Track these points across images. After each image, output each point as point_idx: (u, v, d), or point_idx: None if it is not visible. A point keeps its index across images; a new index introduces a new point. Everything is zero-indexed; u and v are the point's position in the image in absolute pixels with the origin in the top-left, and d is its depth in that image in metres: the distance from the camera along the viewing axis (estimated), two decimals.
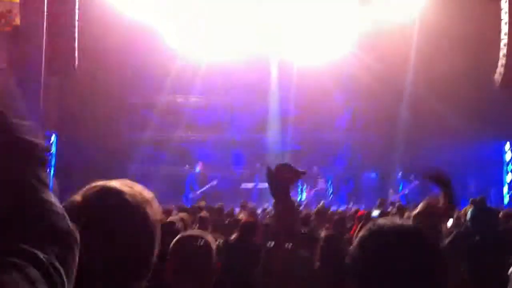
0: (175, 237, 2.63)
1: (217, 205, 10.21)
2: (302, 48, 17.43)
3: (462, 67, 15.20)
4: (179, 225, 5.47)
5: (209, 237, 2.59)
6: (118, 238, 1.32)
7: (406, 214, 8.13)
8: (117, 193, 1.40)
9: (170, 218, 6.24)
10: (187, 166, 16.52)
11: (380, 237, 1.37)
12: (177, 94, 17.97)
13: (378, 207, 10.19)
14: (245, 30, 16.90)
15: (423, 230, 1.44)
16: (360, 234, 1.44)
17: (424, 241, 1.38)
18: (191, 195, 14.88)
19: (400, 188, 15.48)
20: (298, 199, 15.95)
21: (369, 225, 1.44)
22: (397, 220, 1.48)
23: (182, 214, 6.93)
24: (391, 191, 15.52)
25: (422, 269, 1.30)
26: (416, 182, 15.37)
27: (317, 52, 17.29)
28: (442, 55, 15.27)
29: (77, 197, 1.41)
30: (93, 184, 1.45)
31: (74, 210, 1.25)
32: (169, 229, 4.72)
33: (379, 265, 1.32)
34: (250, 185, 16.43)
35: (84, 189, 1.44)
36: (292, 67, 17.96)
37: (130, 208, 1.37)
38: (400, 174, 15.69)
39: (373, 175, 17.43)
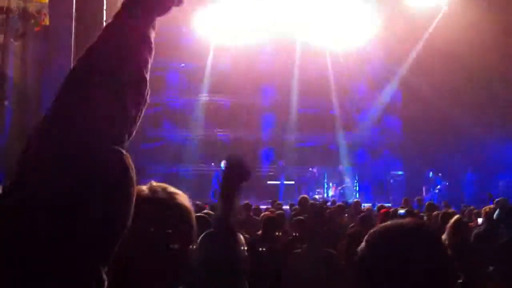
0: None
1: (244, 202, 10.21)
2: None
3: (493, 65, 15.01)
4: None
5: (238, 234, 2.58)
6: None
7: (435, 213, 8.05)
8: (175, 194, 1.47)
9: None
10: (212, 163, 16.60)
11: (388, 236, 1.36)
12: (205, 93, 18.05)
13: (403, 206, 10.09)
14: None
15: (430, 228, 1.43)
16: (369, 232, 1.42)
17: (432, 240, 1.36)
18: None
19: (434, 186, 15.35)
20: (325, 196, 15.90)
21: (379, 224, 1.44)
22: (406, 219, 1.47)
23: (207, 210, 6.96)
24: (424, 188, 15.38)
25: (429, 269, 1.28)
26: (445, 183, 15.24)
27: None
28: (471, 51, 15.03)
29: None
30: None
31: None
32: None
33: (387, 264, 1.31)
34: (276, 182, 16.43)
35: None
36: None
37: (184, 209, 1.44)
38: (431, 173, 15.53)
39: (400, 173, 17.28)
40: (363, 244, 1.39)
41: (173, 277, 1.39)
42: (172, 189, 1.49)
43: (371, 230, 1.42)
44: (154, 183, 1.50)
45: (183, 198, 1.47)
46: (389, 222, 1.45)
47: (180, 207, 1.44)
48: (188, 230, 1.43)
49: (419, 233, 1.36)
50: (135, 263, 1.28)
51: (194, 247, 2.48)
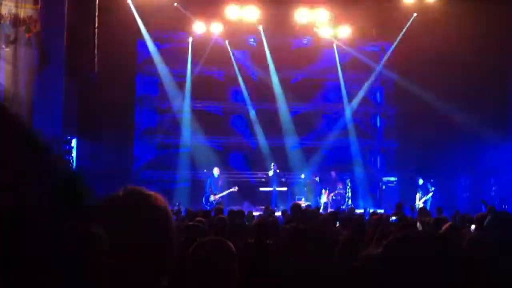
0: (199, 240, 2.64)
1: (237, 208, 10.19)
2: None
3: (483, 70, 15.12)
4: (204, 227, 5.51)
5: (229, 244, 2.57)
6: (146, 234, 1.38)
7: (427, 219, 8.05)
8: (147, 195, 1.49)
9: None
10: (204, 170, 16.57)
11: (409, 244, 1.38)
12: (197, 99, 18.02)
13: (396, 212, 10.07)
14: None
15: (450, 239, 1.44)
16: (388, 241, 1.44)
17: (451, 250, 1.37)
18: (210, 199, 14.93)
19: (426, 191, 15.38)
20: (317, 202, 15.88)
21: (398, 233, 1.46)
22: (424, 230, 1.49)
23: (199, 218, 6.94)
24: (418, 195, 15.41)
25: (449, 277, 1.30)
26: (437, 188, 15.31)
27: None
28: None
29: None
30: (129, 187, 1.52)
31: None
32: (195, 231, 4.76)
33: (407, 272, 1.32)
34: (268, 188, 16.39)
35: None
36: None
37: (160, 209, 1.48)
38: (421, 180, 15.56)
39: (393, 179, 17.30)
40: (380, 250, 1.40)
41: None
42: (146, 191, 1.52)
43: (392, 237, 1.44)
44: (129, 187, 1.53)
45: (158, 200, 1.50)
46: (408, 231, 1.46)
47: (158, 209, 1.46)
48: (166, 231, 1.44)
49: (438, 242, 1.38)
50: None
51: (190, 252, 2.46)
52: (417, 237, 1.42)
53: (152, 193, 1.52)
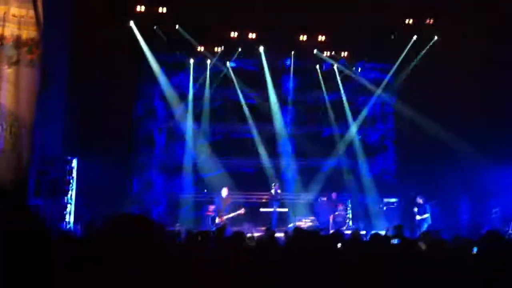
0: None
1: (238, 229, 10.13)
2: None
3: (483, 91, 15.21)
4: None
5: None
6: None
7: (427, 240, 7.97)
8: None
9: None
10: (205, 190, 16.51)
11: None
12: (198, 121, 18.10)
13: (395, 234, 9.96)
14: None
15: None
16: None
17: None
18: (216, 220, 14.82)
19: (424, 212, 15.31)
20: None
21: None
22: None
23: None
24: (417, 216, 15.34)
25: None
26: (436, 209, 15.25)
27: None
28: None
29: None
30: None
31: None
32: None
33: None
34: (269, 209, 16.31)
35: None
36: None
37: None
38: (420, 200, 15.50)
39: (394, 200, 17.23)
40: None
41: None
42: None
43: None
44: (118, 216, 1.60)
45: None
46: None
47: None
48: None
49: None
50: None
51: None
52: None
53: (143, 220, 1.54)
